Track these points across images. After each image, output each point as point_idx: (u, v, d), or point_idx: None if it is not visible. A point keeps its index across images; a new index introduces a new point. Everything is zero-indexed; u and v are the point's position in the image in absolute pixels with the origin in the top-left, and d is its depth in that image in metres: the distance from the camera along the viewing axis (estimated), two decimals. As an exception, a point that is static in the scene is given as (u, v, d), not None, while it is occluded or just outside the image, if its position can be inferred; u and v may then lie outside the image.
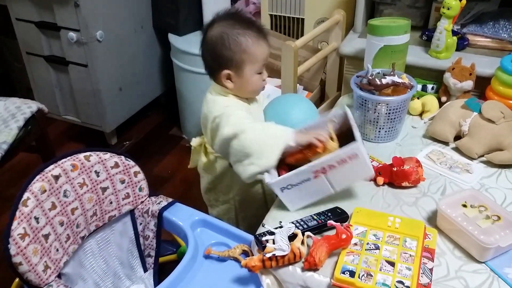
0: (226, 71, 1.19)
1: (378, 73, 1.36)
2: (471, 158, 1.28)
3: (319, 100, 1.86)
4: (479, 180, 1.21)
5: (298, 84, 1.87)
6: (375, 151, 1.33)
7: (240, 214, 1.39)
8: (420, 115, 1.47)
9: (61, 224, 1.07)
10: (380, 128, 1.34)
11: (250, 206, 1.38)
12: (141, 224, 1.25)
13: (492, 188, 1.18)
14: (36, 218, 1.01)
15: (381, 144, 1.37)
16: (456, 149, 1.32)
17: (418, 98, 1.48)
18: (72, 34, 1.94)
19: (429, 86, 1.51)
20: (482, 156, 1.27)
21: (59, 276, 1.08)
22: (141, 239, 1.26)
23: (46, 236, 1.03)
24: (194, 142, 1.36)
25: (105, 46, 2.03)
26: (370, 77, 1.33)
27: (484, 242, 0.96)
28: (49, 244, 1.03)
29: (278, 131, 1.12)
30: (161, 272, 1.26)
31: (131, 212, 1.24)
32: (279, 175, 1.12)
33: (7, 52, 2.46)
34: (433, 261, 0.98)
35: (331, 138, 1.12)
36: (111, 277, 1.24)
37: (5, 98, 1.66)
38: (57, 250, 1.05)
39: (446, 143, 1.35)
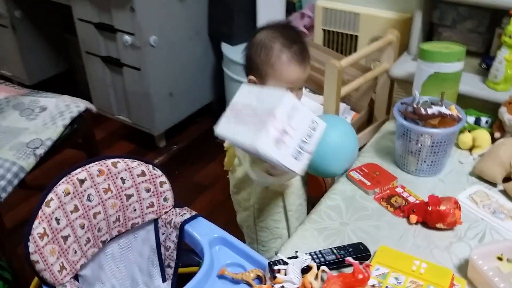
0: (252, 77, 1.18)
1: (426, 101, 1.27)
2: (520, 204, 1.17)
3: (366, 123, 1.79)
4: (525, 230, 1.10)
5: (345, 104, 1.81)
6: (415, 185, 1.25)
7: (258, 224, 1.36)
8: (470, 150, 1.37)
9: (82, 227, 1.09)
10: (422, 161, 1.26)
11: (268, 217, 1.34)
12: (163, 234, 1.25)
13: (539, 240, 1.07)
14: (57, 220, 1.03)
15: (422, 178, 1.28)
16: (504, 192, 1.21)
17: (469, 131, 1.37)
18: (127, 37, 2.00)
19: (483, 120, 1.40)
20: (532, 203, 1.16)
21: (76, 277, 1.10)
22: (162, 249, 1.26)
23: (65, 238, 1.05)
24: (227, 143, 1.36)
25: (158, 51, 2.07)
26: (416, 105, 1.25)
27: (517, 303, 0.86)
28: (67, 246, 1.05)
29: None
30: (181, 283, 1.25)
31: (155, 221, 1.25)
32: None
33: (72, 49, 2.59)
34: (456, 316, 0.90)
35: None
36: (129, 283, 1.25)
37: (58, 96, 1.73)
38: (75, 252, 1.07)
39: (494, 184, 1.24)
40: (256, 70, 1.18)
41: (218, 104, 2.56)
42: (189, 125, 2.53)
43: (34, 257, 0.99)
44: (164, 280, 1.28)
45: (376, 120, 1.76)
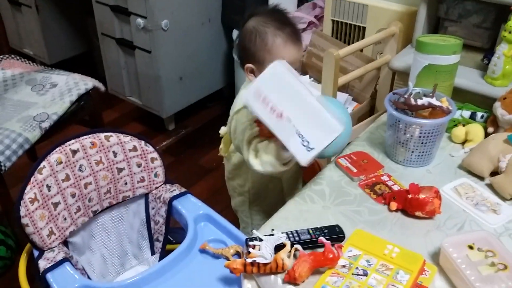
0: (249, 65, 1.21)
1: (418, 92, 1.28)
2: (504, 198, 1.17)
3: (368, 113, 1.80)
4: (505, 223, 1.10)
5: (347, 94, 1.83)
6: (402, 174, 1.26)
7: (253, 208, 1.39)
8: (463, 144, 1.37)
9: (73, 195, 1.15)
10: (411, 152, 1.27)
11: (264, 202, 1.38)
12: (153, 208, 1.30)
13: (518, 234, 1.07)
14: (48, 186, 1.09)
15: (410, 168, 1.29)
16: (490, 186, 1.21)
17: (463, 125, 1.37)
18: (139, 20, 2.05)
19: (479, 114, 1.39)
20: (516, 198, 1.16)
21: (66, 243, 1.16)
22: (152, 223, 1.31)
23: (55, 204, 1.11)
24: (223, 130, 1.39)
25: (170, 35, 2.12)
26: (406, 96, 1.26)
27: (479, 291, 0.88)
28: (57, 212, 1.11)
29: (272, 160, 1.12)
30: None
31: (146, 196, 1.30)
32: None
33: (91, 31, 2.66)
34: (421, 300, 0.92)
35: None
36: (119, 253, 1.31)
37: (69, 73, 1.80)
38: (65, 219, 1.13)
39: (481, 178, 1.24)
40: (252, 57, 1.20)
41: (228, 90, 2.60)
42: (199, 110, 2.58)
43: (24, 220, 1.06)
44: (152, 253, 1.34)
45: (377, 111, 1.77)
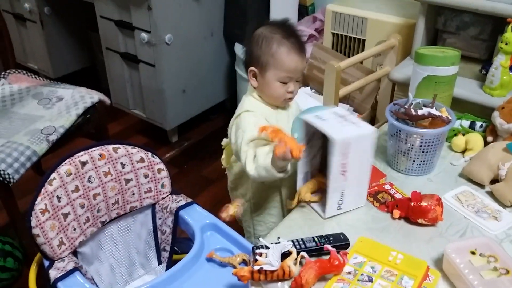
0: (252, 68, 1.25)
1: (418, 103, 1.31)
2: (504, 206, 1.19)
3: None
4: (506, 229, 1.13)
5: (348, 105, 1.86)
6: (403, 183, 1.29)
7: (254, 218, 1.42)
8: (463, 153, 1.40)
9: (82, 206, 1.17)
10: (412, 161, 1.30)
11: (265, 211, 1.40)
12: (160, 218, 1.32)
13: (519, 240, 1.09)
14: (58, 197, 1.11)
15: (411, 177, 1.31)
16: (491, 194, 1.24)
17: (463, 135, 1.40)
18: (144, 35, 2.09)
19: (478, 124, 1.42)
20: (516, 205, 1.18)
21: (75, 253, 1.18)
22: (158, 233, 1.33)
23: (65, 215, 1.13)
24: (225, 141, 1.42)
25: (173, 49, 2.16)
26: (406, 107, 1.29)
27: (482, 295, 0.90)
28: (67, 223, 1.13)
29: (266, 165, 1.15)
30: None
31: (153, 206, 1.32)
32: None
33: (95, 46, 2.71)
34: (426, 305, 0.94)
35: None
36: (126, 263, 1.33)
37: (74, 87, 1.83)
38: (75, 229, 1.15)
39: (481, 186, 1.27)
40: (257, 61, 1.25)
41: (230, 103, 2.64)
42: (201, 122, 2.61)
43: (35, 231, 1.08)
44: (159, 262, 1.36)
45: (378, 122, 1.80)
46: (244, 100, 1.31)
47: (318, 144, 1.21)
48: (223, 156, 1.47)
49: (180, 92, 2.30)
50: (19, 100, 1.81)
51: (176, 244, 1.35)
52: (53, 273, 1.08)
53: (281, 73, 1.23)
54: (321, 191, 1.20)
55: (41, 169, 2.17)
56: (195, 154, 2.43)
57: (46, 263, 1.12)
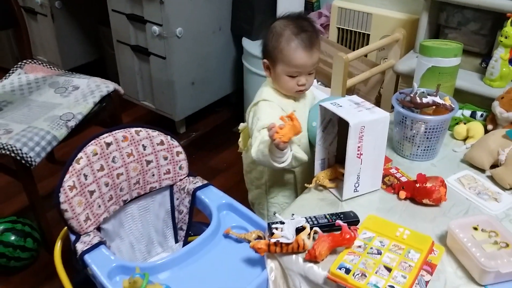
0: (265, 60, 1.33)
1: (423, 92, 1.38)
2: (504, 188, 1.27)
3: (372, 115, 1.90)
4: (506, 210, 1.20)
5: (354, 97, 1.93)
6: (408, 167, 1.36)
7: (269, 200, 1.48)
8: (465, 140, 1.47)
9: (106, 185, 1.24)
10: (417, 146, 1.37)
11: (279, 194, 1.47)
12: (177, 199, 1.39)
13: (517, 219, 1.17)
14: (85, 175, 1.18)
15: (416, 162, 1.39)
16: (491, 178, 1.31)
17: (465, 123, 1.48)
18: (155, 28, 2.16)
19: (478, 113, 1.50)
20: (515, 188, 1.26)
21: (99, 229, 1.25)
22: (176, 213, 1.40)
23: (91, 192, 1.20)
24: (241, 126, 1.49)
25: (183, 42, 2.22)
26: (412, 95, 1.36)
27: (484, 265, 0.97)
28: (92, 200, 1.20)
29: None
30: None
31: (171, 187, 1.39)
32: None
33: (104, 39, 2.77)
34: (431, 275, 1.01)
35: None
36: (145, 241, 1.40)
37: (89, 77, 1.90)
38: (99, 206, 1.22)
39: (482, 170, 1.34)
40: (268, 54, 1.32)
41: (237, 95, 2.70)
42: (209, 113, 2.68)
43: (63, 206, 1.14)
44: (176, 241, 1.42)
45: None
46: (263, 90, 1.37)
47: (334, 131, 1.28)
48: (240, 139, 1.53)
49: (189, 84, 2.37)
50: (36, 89, 1.87)
51: (191, 228, 1.42)
52: (80, 246, 1.15)
53: (289, 68, 1.29)
54: (338, 180, 1.27)
55: (53, 157, 2.24)
56: (203, 145, 2.50)
57: (73, 237, 1.19)
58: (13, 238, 1.64)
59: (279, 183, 1.45)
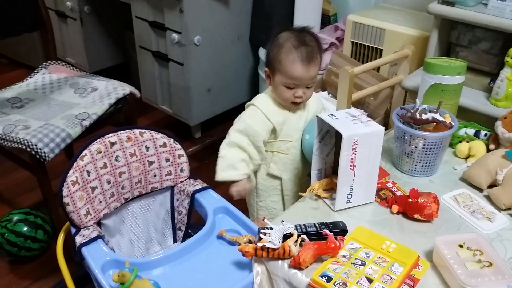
0: (266, 69, 1.39)
1: (424, 108, 1.39)
2: (499, 209, 1.26)
3: (381, 130, 1.91)
4: (498, 230, 1.20)
5: (363, 111, 1.95)
6: (406, 183, 1.37)
7: (258, 203, 1.52)
8: (467, 159, 1.47)
9: (108, 182, 1.30)
10: (416, 162, 1.38)
11: (268, 198, 1.51)
12: (177, 200, 1.44)
13: (508, 241, 1.16)
14: (88, 172, 1.24)
15: (414, 178, 1.39)
16: (488, 197, 1.31)
17: (467, 142, 1.48)
18: (174, 35, 2.24)
19: (482, 133, 1.49)
20: (510, 209, 1.25)
21: (99, 224, 1.31)
22: (175, 213, 1.45)
23: (93, 188, 1.26)
24: None
25: (201, 50, 2.29)
26: (413, 111, 1.38)
27: (464, 283, 0.97)
28: (94, 195, 1.26)
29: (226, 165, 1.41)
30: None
31: (172, 188, 1.44)
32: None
33: (129, 44, 2.87)
34: (412, 289, 1.02)
35: None
36: (145, 239, 1.45)
37: (108, 79, 1.98)
38: (100, 202, 1.28)
39: (480, 189, 1.34)
40: (270, 63, 1.37)
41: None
42: (224, 120, 2.73)
43: (66, 200, 1.21)
44: (175, 241, 1.47)
45: (390, 127, 1.88)
46: (259, 96, 1.44)
47: (332, 142, 1.30)
48: None
49: (205, 91, 2.43)
50: (57, 88, 1.96)
51: (190, 229, 1.47)
52: (79, 239, 1.21)
53: (286, 79, 1.33)
54: (333, 190, 1.29)
55: (72, 155, 2.32)
56: (216, 150, 2.51)
57: (73, 230, 1.25)
58: (25, 229, 1.73)
59: (267, 188, 1.49)
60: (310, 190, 1.29)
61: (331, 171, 1.35)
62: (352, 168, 1.21)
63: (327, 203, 1.29)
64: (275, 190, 1.49)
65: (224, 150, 1.43)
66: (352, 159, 1.19)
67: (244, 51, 2.51)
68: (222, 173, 1.38)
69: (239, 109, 2.73)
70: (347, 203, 1.26)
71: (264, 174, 1.46)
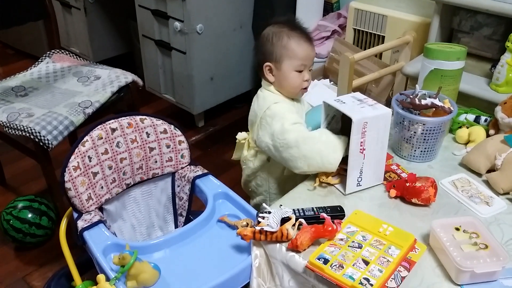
0: (267, 63, 1.36)
1: (424, 94, 1.40)
2: (497, 193, 1.27)
3: (383, 117, 1.91)
4: (496, 214, 1.20)
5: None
6: (406, 168, 1.36)
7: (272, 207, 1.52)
8: (466, 144, 1.47)
9: (110, 168, 1.31)
10: (415, 148, 1.38)
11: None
12: (178, 186, 1.45)
13: (506, 224, 1.17)
14: (89, 157, 1.26)
15: (413, 163, 1.40)
16: (486, 182, 1.31)
17: (467, 127, 1.48)
18: (177, 24, 2.24)
19: (483, 118, 1.49)
20: (508, 193, 1.26)
21: (101, 209, 1.33)
22: (176, 199, 1.47)
23: (94, 174, 1.28)
24: (240, 136, 1.52)
25: (203, 38, 2.29)
26: (412, 96, 1.38)
27: (460, 264, 0.98)
28: (95, 181, 1.28)
29: (337, 143, 1.24)
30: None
31: (173, 174, 1.45)
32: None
33: (133, 33, 2.87)
34: (408, 271, 1.03)
35: None
36: (146, 224, 1.47)
37: (111, 68, 1.99)
38: (102, 187, 1.30)
39: (479, 174, 1.34)
40: (270, 56, 1.35)
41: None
42: (227, 110, 2.74)
43: (67, 185, 1.23)
44: (176, 226, 1.49)
45: (392, 114, 1.88)
46: (265, 95, 1.39)
47: (338, 127, 1.31)
48: (235, 150, 1.56)
49: (208, 80, 2.44)
50: (61, 77, 1.98)
51: (192, 215, 1.48)
52: (81, 224, 1.23)
53: (296, 61, 1.33)
54: (340, 176, 1.30)
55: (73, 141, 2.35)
56: (219, 139, 2.56)
57: (75, 215, 1.27)
58: (30, 215, 1.75)
59: (281, 191, 1.47)
60: (320, 179, 1.29)
61: None
62: (362, 151, 1.21)
63: (337, 188, 1.29)
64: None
65: (310, 145, 1.24)
66: (362, 142, 1.20)
67: (246, 39, 2.51)
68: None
69: (242, 97, 2.76)
70: (357, 186, 1.27)
71: (279, 178, 1.44)
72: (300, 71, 1.34)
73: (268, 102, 1.37)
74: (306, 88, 1.39)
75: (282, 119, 1.29)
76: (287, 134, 1.27)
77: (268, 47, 1.34)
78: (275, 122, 1.30)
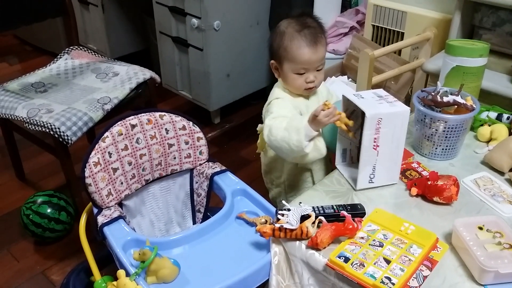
0: (272, 61, 1.37)
1: (446, 91, 1.38)
2: (521, 192, 1.25)
3: (401, 114, 1.89)
4: (519, 213, 1.18)
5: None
6: (427, 166, 1.35)
7: (288, 199, 1.52)
8: (488, 142, 1.45)
9: (129, 164, 1.32)
10: (436, 145, 1.36)
11: (298, 193, 1.50)
12: (197, 182, 1.45)
13: (530, 224, 1.15)
14: (110, 153, 1.27)
15: (434, 161, 1.38)
16: (509, 181, 1.29)
17: (489, 125, 1.45)
18: (194, 21, 2.24)
19: (505, 116, 1.47)
20: (532, 192, 1.23)
21: (120, 205, 1.33)
22: (195, 195, 1.47)
23: (114, 170, 1.28)
24: (260, 127, 1.53)
25: (220, 35, 2.29)
26: (433, 93, 1.36)
27: (483, 264, 0.97)
28: (115, 176, 1.28)
29: (300, 126, 1.22)
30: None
31: (191, 171, 1.45)
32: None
33: (150, 30, 2.88)
34: (430, 271, 1.02)
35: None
36: (165, 220, 1.47)
37: (129, 65, 2.00)
38: (122, 183, 1.30)
39: (501, 173, 1.32)
40: (275, 54, 1.35)
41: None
42: (243, 106, 2.74)
43: (88, 180, 1.24)
44: (194, 222, 1.49)
45: (411, 111, 1.86)
46: (275, 90, 1.42)
47: (358, 123, 1.29)
48: (258, 141, 1.57)
49: (225, 76, 2.44)
50: (79, 73, 2.00)
51: (209, 211, 1.48)
52: (101, 219, 1.24)
53: (295, 65, 1.31)
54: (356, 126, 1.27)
55: (91, 137, 2.37)
56: (235, 135, 2.56)
57: (95, 210, 1.28)
58: (49, 210, 1.77)
59: (297, 182, 1.48)
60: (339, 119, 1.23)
61: (356, 152, 1.34)
62: (375, 147, 1.20)
63: (349, 182, 1.28)
64: (305, 183, 1.48)
65: (275, 135, 1.26)
66: (375, 138, 1.19)
67: (263, 36, 2.50)
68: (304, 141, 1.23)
69: (258, 94, 2.76)
70: (369, 182, 1.25)
71: (294, 169, 1.45)
72: (301, 74, 1.32)
73: (271, 97, 1.40)
74: (310, 89, 1.37)
75: (270, 114, 1.32)
76: (264, 130, 1.31)
77: (274, 44, 1.34)
78: (267, 115, 1.35)
